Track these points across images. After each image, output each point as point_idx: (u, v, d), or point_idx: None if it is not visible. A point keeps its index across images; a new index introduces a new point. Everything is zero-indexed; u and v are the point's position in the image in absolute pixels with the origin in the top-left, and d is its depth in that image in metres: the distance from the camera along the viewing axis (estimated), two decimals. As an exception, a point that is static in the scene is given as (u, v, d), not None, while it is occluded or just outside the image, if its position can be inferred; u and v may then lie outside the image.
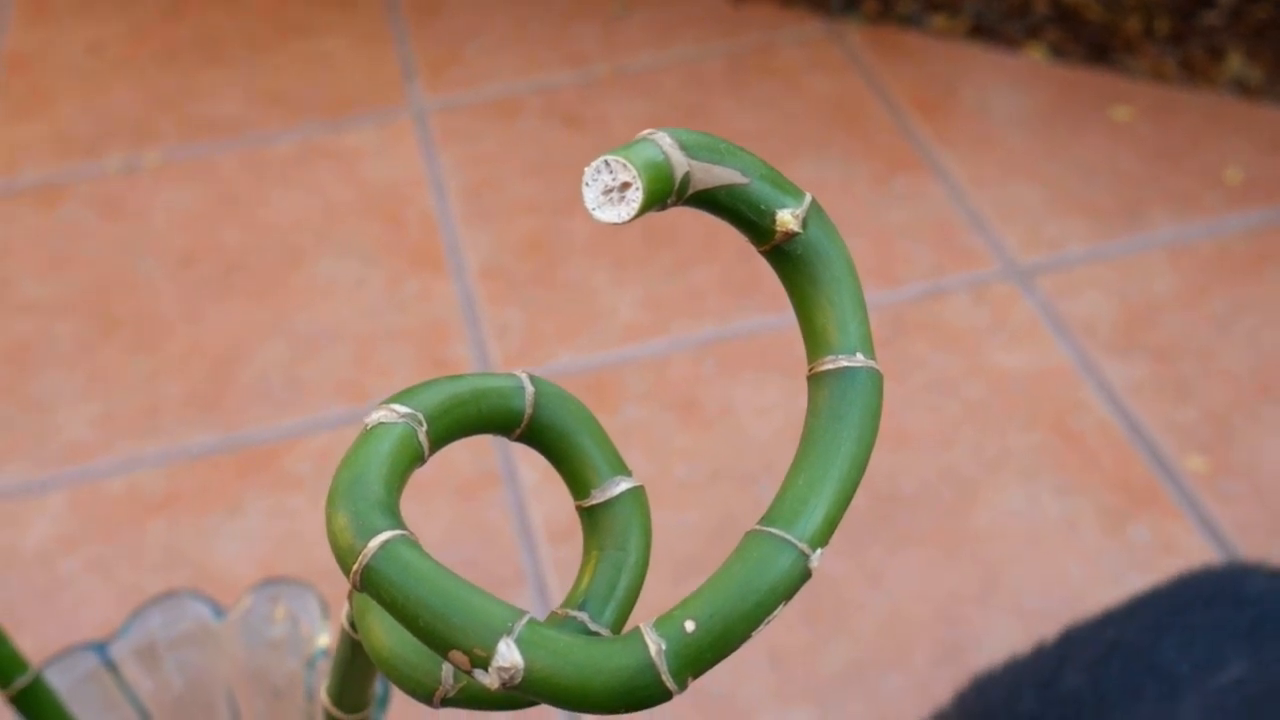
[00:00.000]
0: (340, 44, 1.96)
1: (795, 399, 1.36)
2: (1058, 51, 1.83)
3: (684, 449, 1.32)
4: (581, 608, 0.30)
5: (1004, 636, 1.14)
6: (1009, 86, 1.77)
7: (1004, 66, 1.81)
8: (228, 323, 1.51)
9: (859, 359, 0.29)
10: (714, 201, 0.28)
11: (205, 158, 1.76)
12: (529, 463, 1.30)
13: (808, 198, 0.29)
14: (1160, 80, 1.76)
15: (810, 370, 0.29)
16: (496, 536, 1.25)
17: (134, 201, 1.70)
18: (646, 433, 1.34)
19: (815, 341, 0.29)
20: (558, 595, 1.19)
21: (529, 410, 0.32)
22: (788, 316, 1.42)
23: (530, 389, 0.32)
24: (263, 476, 1.33)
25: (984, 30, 1.87)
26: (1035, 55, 1.82)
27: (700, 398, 1.37)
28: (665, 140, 0.27)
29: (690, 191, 0.28)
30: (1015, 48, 1.84)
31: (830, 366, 0.29)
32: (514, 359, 1.43)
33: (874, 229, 1.57)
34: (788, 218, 0.28)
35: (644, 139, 0.27)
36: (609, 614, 0.30)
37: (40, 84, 1.93)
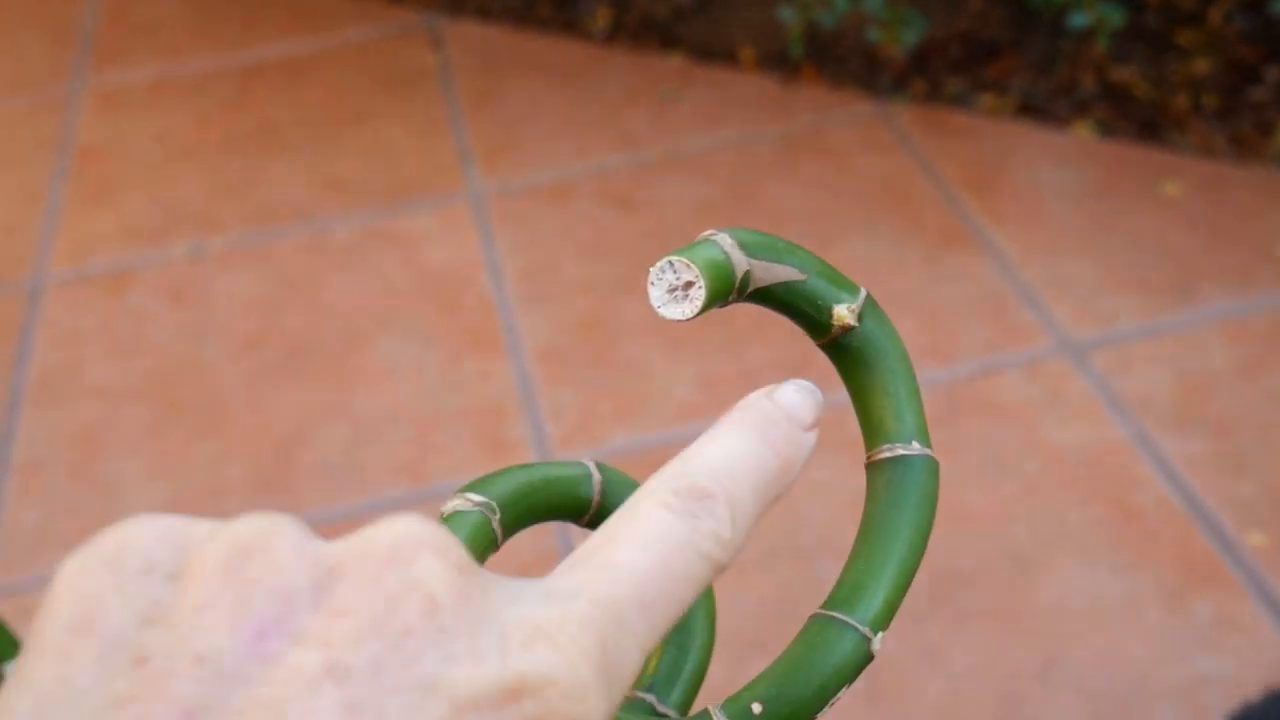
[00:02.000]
0: (398, 131, 2.01)
1: (849, 477, 1.36)
2: (1106, 128, 1.84)
3: (740, 527, 1.32)
4: (649, 690, 0.31)
5: (1066, 716, 1.13)
6: (1058, 163, 1.78)
7: (1052, 144, 1.82)
8: (290, 405, 1.54)
9: (915, 447, 0.30)
10: (773, 298, 0.29)
11: (268, 243, 1.81)
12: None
13: (863, 292, 0.30)
14: (1209, 155, 1.77)
15: (868, 458, 0.30)
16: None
17: (199, 287, 1.74)
18: (702, 511, 1.34)
19: (872, 430, 0.30)
20: (616, 675, 1.19)
21: (597, 497, 0.33)
22: (840, 394, 1.43)
23: (598, 476, 0.33)
24: (324, 557, 1.34)
25: (1032, 109, 1.89)
26: (1083, 132, 1.83)
27: (755, 476, 1.37)
28: (726, 240, 0.28)
29: (750, 289, 0.29)
30: (1063, 125, 1.85)
31: (888, 455, 0.30)
32: (570, 439, 1.45)
33: (926, 307, 1.57)
34: (844, 312, 0.30)
35: (706, 239, 0.28)
36: (676, 695, 0.31)
37: (109, 173, 1.99)
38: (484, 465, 1.42)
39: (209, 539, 0.21)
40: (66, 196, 1.94)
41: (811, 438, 0.28)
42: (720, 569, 0.25)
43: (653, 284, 0.28)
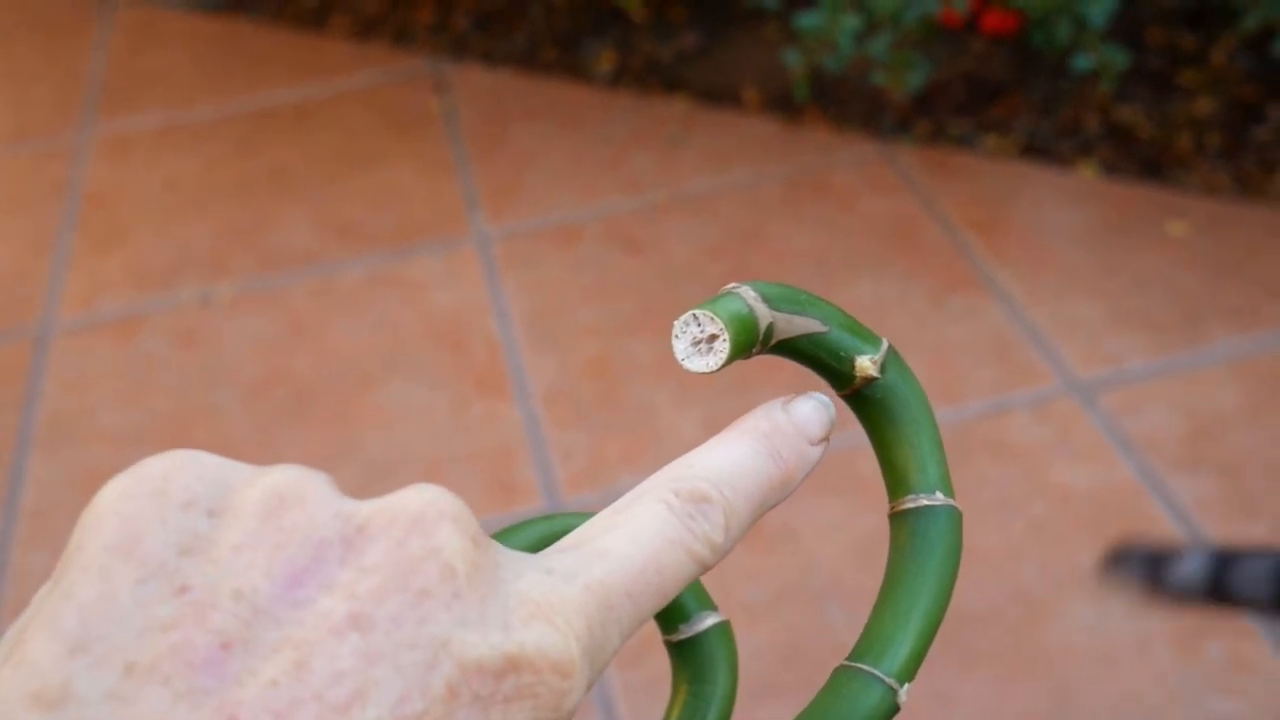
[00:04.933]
0: (405, 174, 2.02)
1: (858, 518, 1.36)
2: (1110, 169, 1.85)
3: (749, 569, 1.32)
4: (671, 739, 0.31)
5: (1080, 759, 1.12)
6: (1063, 204, 1.79)
7: (1057, 184, 1.83)
8: (299, 449, 1.54)
9: (939, 498, 0.30)
10: (796, 350, 0.30)
11: (276, 288, 1.81)
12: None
13: (885, 344, 0.30)
14: (1214, 194, 1.77)
15: (892, 509, 0.30)
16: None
17: (208, 332, 1.75)
18: (711, 554, 1.34)
19: (896, 481, 0.30)
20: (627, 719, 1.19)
21: (618, 548, 0.33)
22: (848, 436, 1.43)
23: (619, 527, 0.33)
24: (332, 602, 1.34)
25: (1036, 149, 1.90)
26: (1088, 173, 1.84)
27: (763, 519, 1.37)
28: (749, 293, 0.29)
29: (774, 341, 0.29)
30: (1067, 166, 1.86)
31: (911, 505, 0.30)
32: (579, 481, 1.45)
33: (933, 347, 1.58)
34: (867, 364, 0.30)
35: (729, 292, 0.29)
36: (697, 746, 0.31)
37: (118, 219, 2.00)
38: (493, 507, 1.42)
39: (249, 483, 0.23)
40: (75, 242, 1.95)
41: (818, 452, 0.29)
42: (706, 569, 0.26)
43: (677, 337, 0.28)
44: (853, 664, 0.28)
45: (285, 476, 0.23)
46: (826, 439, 0.29)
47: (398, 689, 0.20)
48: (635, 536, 0.25)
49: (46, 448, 1.58)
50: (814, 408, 0.29)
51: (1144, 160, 1.85)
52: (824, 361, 0.30)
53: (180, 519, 0.21)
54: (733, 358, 0.28)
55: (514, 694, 0.21)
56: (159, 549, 0.21)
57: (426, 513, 0.22)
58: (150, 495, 0.22)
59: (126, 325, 1.78)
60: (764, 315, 0.29)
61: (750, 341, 0.28)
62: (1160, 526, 1.32)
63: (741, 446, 0.27)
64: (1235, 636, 1.21)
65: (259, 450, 1.54)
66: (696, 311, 0.28)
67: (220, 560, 0.21)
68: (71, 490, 1.52)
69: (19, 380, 1.70)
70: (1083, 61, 1.76)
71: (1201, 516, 1.33)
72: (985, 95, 2.00)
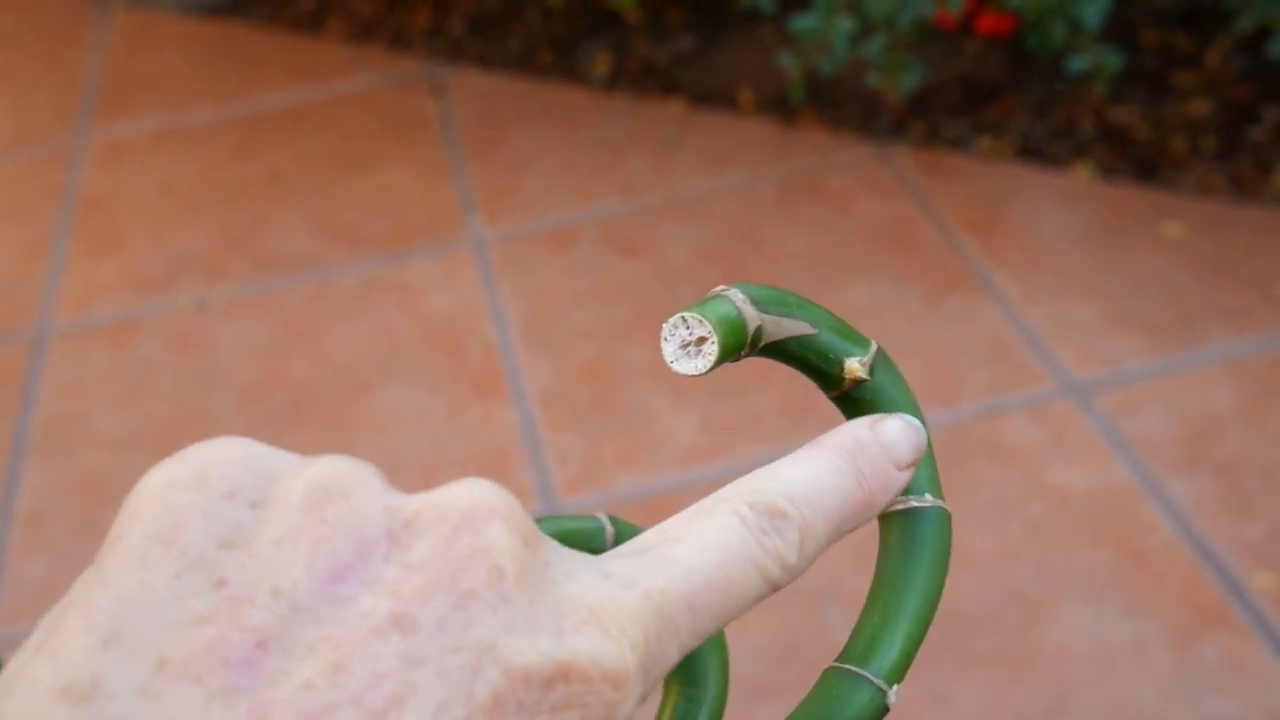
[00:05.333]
0: (401, 178, 2.02)
1: (856, 520, 1.36)
2: (1105, 170, 1.85)
3: (746, 572, 1.32)
4: (663, 742, 0.31)
5: (1076, 761, 1.12)
6: (1058, 205, 1.79)
7: (1052, 186, 1.83)
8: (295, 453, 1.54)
9: (928, 499, 0.30)
10: (785, 352, 0.30)
11: (272, 292, 1.81)
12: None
13: (874, 346, 0.30)
14: (1209, 196, 1.78)
15: (881, 510, 0.30)
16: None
17: (204, 336, 1.75)
18: (708, 556, 1.34)
19: (884, 482, 0.30)
20: (623, 722, 1.19)
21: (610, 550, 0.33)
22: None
23: (610, 530, 0.33)
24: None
25: (1031, 151, 1.90)
26: (1083, 174, 1.84)
27: (761, 521, 1.37)
28: (738, 296, 0.29)
29: (762, 343, 0.29)
30: (1063, 167, 1.86)
31: (900, 507, 0.30)
32: (575, 484, 1.45)
33: (928, 349, 1.58)
34: (855, 366, 0.30)
35: (718, 295, 0.29)
36: (690, 748, 0.31)
37: (114, 224, 2.00)
38: (489, 512, 1.42)
39: (293, 473, 0.22)
40: (71, 247, 1.95)
41: (904, 477, 0.28)
42: (775, 590, 0.25)
43: (666, 339, 0.28)
44: (842, 665, 0.28)
45: (333, 467, 0.22)
46: (914, 464, 0.28)
47: (439, 695, 0.19)
48: (704, 546, 0.24)
49: (42, 452, 1.58)
50: (902, 429, 0.28)
51: (1139, 161, 1.85)
52: (813, 364, 0.30)
53: (222, 510, 0.21)
54: (721, 360, 0.28)
55: (562, 704, 0.20)
56: (199, 540, 0.20)
57: (477, 509, 0.21)
58: (193, 484, 0.21)
59: (122, 329, 1.78)
60: (752, 318, 0.29)
61: (739, 344, 0.28)
62: (1157, 528, 1.32)
63: (823, 463, 0.26)
64: (1232, 638, 1.21)
65: (255, 454, 1.54)
66: (685, 314, 0.28)
67: (260, 554, 0.20)
68: (67, 495, 1.52)
69: (15, 384, 1.69)
70: (1077, 63, 1.76)
71: (1198, 517, 1.33)
72: (980, 97, 2.00)
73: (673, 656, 0.23)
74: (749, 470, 0.27)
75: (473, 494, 0.22)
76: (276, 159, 2.10)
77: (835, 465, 0.26)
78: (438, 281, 1.80)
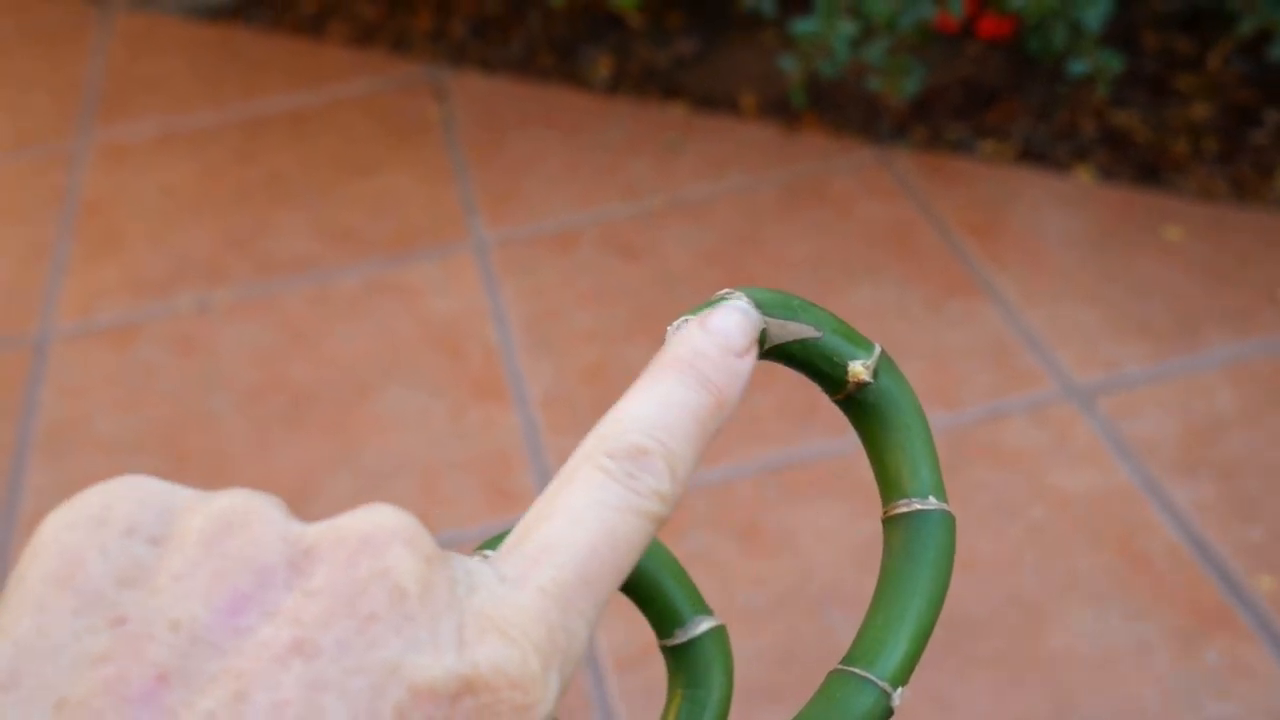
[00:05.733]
0: (403, 181, 2.02)
1: (856, 523, 1.36)
2: (1107, 173, 1.85)
3: (747, 575, 1.32)
4: (667, 746, 0.31)
5: (1078, 764, 1.12)
6: (1059, 208, 1.79)
7: (1054, 189, 1.83)
8: (296, 456, 1.54)
9: (932, 502, 0.30)
10: (789, 355, 0.30)
11: (274, 295, 1.82)
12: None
13: (877, 349, 0.30)
14: (1210, 199, 1.78)
15: (885, 513, 0.30)
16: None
17: (205, 339, 1.75)
18: (709, 559, 1.34)
19: (889, 485, 0.30)
20: (624, 725, 1.19)
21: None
22: (847, 441, 1.43)
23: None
24: (331, 608, 1.34)
25: (1032, 154, 1.90)
26: (1084, 177, 1.85)
27: (762, 523, 1.37)
28: (742, 300, 0.29)
29: (767, 346, 0.29)
30: (1064, 170, 1.87)
31: (904, 510, 0.30)
32: (576, 487, 1.45)
33: (930, 352, 1.58)
34: (859, 368, 0.30)
35: (722, 298, 0.29)
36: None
37: (115, 227, 2.00)
38: (490, 514, 1.42)
39: (193, 508, 0.22)
40: (72, 250, 1.95)
41: (748, 363, 0.27)
42: (662, 524, 0.25)
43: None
44: (846, 668, 0.28)
45: (231, 501, 0.22)
46: (753, 345, 0.27)
47: (343, 717, 0.19)
48: (577, 517, 0.23)
49: (45, 455, 1.58)
50: (727, 315, 0.27)
51: (1140, 165, 1.86)
52: (817, 367, 0.30)
53: (121, 547, 0.21)
54: (725, 363, 0.28)
55: (473, 715, 0.21)
56: (97, 579, 0.20)
57: (376, 533, 0.21)
58: (91, 524, 0.21)
59: (124, 332, 1.78)
60: (757, 321, 0.29)
61: (743, 347, 0.28)
62: (1159, 531, 1.32)
63: (665, 384, 0.26)
64: (1234, 640, 1.21)
65: (256, 457, 1.54)
66: (690, 317, 0.28)
67: (160, 589, 0.20)
68: (70, 497, 1.52)
69: (17, 388, 1.70)
70: (1078, 66, 1.76)
71: (1200, 520, 1.33)
72: (981, 100, 2.01)
73: (583, 633, 0.23)
74: (751, 474, 0.27)
75: (372, 519, 0.22)
76: (278, 162, 2.10)
77: (678, 380, 0.26)
78: (439, 284, 1.80)
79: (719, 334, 0.27)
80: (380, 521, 0.22)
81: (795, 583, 1.31)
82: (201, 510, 0.22)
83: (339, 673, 0.20)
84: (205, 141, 2.17)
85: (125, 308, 1.82)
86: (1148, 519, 1.34)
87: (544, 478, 1.47)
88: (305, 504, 1.47)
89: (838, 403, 0.31)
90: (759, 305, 0.29)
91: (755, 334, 0.27)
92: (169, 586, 0.20)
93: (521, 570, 0.23)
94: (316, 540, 0.22)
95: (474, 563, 0.23)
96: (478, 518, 1.43)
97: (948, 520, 0.30)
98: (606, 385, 1.59)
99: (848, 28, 1.74)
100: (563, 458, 1.49)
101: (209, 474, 1.52)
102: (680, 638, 0.33)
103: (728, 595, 1.30)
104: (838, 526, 1.36)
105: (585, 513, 0.24)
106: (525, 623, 0.22)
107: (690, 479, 0.25)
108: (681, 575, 0.34)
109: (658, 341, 1.71)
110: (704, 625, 0.33)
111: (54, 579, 0.20)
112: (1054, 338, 1.58)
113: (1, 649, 0.20)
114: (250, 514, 0.22)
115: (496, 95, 2.18)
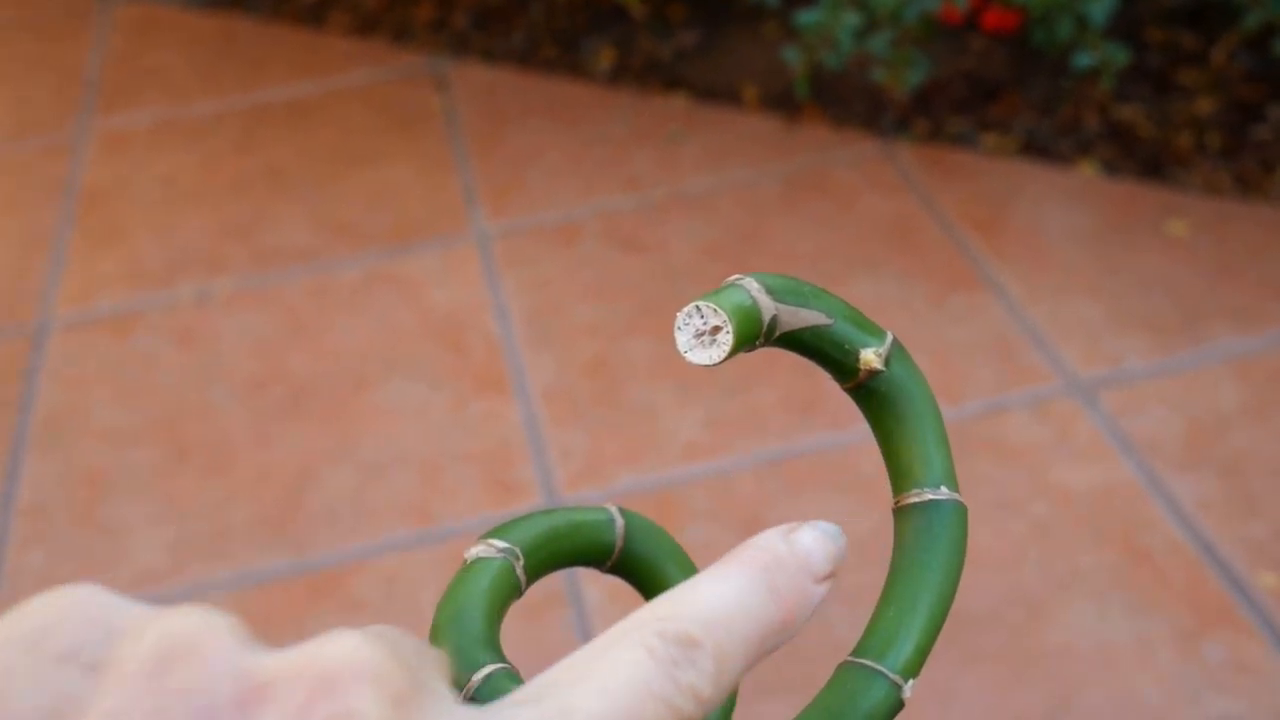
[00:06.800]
0: (404, 172, 2.01)
1: (860, 516, 1.35)
2: (1110, 168, 1.84)
3: (748, 569, 1.32)
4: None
5: (1079, 759, 1.11)
6: (1062, 203, 1.79)
7: (1056, 183, 1.82)
8: (296, 448, 1.53)
9: (943, 492, 0.29)
10: (800, 342, 0.29)
11: (274, 286, 1.81)
12: (594, 584, 1.31)
13: (889, 336, 0.30)
14: (1214, 194, 1.77)
15: (896, 503, 0.30)
16: (560, 657, 1.24)
17: (205, 330, 1.74)
18: (712, 552, 1.33)
19: (900, 475, 0.30)
20: (624, 719, 1.18)
21: (620, 543, 0.32)
22: (849, 433, 1.43)
23: (621, 521, 0.33)
24: (331, 600, 1.34)
25: (1035, 148, 1.90)
26: (1088, 172, 1.84)
27: (765, 516, 1.37)
28: (753, 285, 0.28)
29: (778, 333, 0.28)
30: (1067, 165, 1.86)
31: (916, 500, 0.29)
32: (578, 480, 1.44)
33: (933, 346, 1.57)
34: (871, 356, 0.29)
35: (733, 284, 0.28)
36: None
37: (115, 216, 1.99)
38: (491, 507, 1.42)
39: (139, 630, 0.20)
40: (72, 240, 1.95)
41: (823, 590, 0.25)
42: None
43: (680, 329, 0.28)
44: (857, 660, 0.27)
45: (183, 624, 0.20)
46: (833, 575, 0.25)
47: None
48: (608, 688, 0.21)
49: (43, 445, 1.58)
50: (818, 538, 0.26)
51: (1144, 159, 1.85)
52: (828, 354, 0.29)
53: (54, 675, 0.19)
54: (736, 350, 0.28)
55: None
56: (25, 712, 0.19)
57: (340, 671, 0.19)
58: (24, 646, 0.19)
59: (123, 322, 1.77)
60: (768, 307, 0.28)
61: (754, 334, 0.28)
62: (1161, 527, 1.32)
63: (736, 582, 0.24)
64: (1236, 637, 1.20)
65: (255, 448, 1.54)
66: (700, 303, 0.28)
67: None
68: (68, 488, 1.52)
69: (15, 377, 1.69)
70: (1083, 60, 1.76)
71: (1202, 516, 1.32)
72: (985, 93, 2.00)
73: None
74: (752, 466, 0.26)
75: (335, 651, 0.19)
76: (278, 152, 2.10)
77: (749, 584, 0.24)
78: (440, 276, 1.79)
79: (802, 554, 0.25)
80: (343, 654, 0.19)
81: (796, 576, 1.30)
82: (148, 633, 0.19)
83: None
84: (205, 132, 2.16)
85: (125, 297, 1.82)
86: (1150, 515, 1.33)
87: (545, 471, 1.46)
88: (305, 494, 1.47)
89: (848, 391, 0.30)
90: (770, 291, 0.28)
91: (839, 560, 0.26)
92: None
93: None
94: (273, 674, 0.19)
95: (465, 709, 0.21)
96: (479, 510, 1.43)
97: (960, 510, 0.29)
98: (608, 378, 1.58)
99: (852, 19, 1.73)
100: (564, 451, 1.48)
101: (209, 464, 1.52)
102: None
103: (728, 589, 1.29)
104: (839, 519, 1.35)
105: (618, 689, 0.21)
106: None
107: (730, 689, 0.23)
108: (687, 565, 0.34)
109: (661, 334, 1.71)
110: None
111: None
112: (1057, 332, 1.57)
113: None
114: (200, 641, 0.19)
115: (498, 86, 2.18)
